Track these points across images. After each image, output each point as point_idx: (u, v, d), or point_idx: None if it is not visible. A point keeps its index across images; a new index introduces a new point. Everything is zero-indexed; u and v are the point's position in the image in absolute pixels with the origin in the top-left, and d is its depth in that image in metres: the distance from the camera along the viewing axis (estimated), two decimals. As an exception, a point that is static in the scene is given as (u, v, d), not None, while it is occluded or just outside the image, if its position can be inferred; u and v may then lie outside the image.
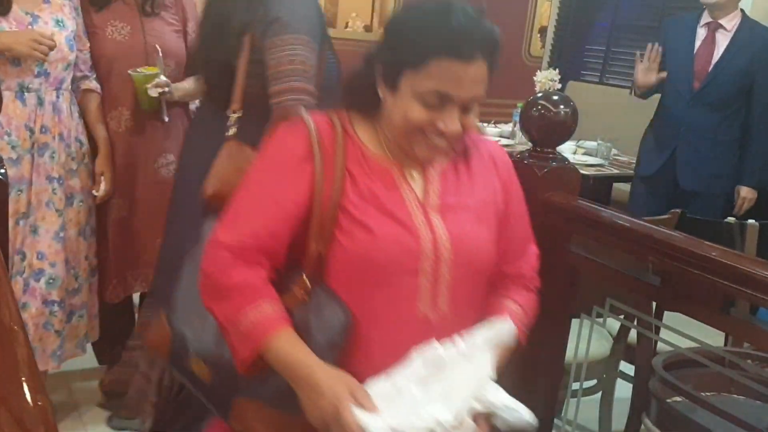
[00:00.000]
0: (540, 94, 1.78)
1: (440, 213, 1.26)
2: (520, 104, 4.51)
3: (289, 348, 1.15)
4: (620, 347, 2.31)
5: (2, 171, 1.41)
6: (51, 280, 2.23)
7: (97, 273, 2.41)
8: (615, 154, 4.16)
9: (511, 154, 3.95)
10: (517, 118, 4.35)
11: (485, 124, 4.52)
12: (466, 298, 1.28)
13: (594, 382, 2.39)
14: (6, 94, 2.07)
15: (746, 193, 3.23)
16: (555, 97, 1.75)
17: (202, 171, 1.88)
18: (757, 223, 2.32)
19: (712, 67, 3.20)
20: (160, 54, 2.34)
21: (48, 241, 2.21)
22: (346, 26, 5.65)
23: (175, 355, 1.36)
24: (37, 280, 2.21)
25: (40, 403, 0.58)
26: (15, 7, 2.12)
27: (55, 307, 2.24)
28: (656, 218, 2.21)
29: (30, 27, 2.13)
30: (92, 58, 2.36)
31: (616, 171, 3.98)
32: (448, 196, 1.28)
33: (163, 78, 2.31)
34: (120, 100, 2.38)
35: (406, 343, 1.18)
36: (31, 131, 2.17)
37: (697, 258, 1.37)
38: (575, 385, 1.84)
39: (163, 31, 2.41)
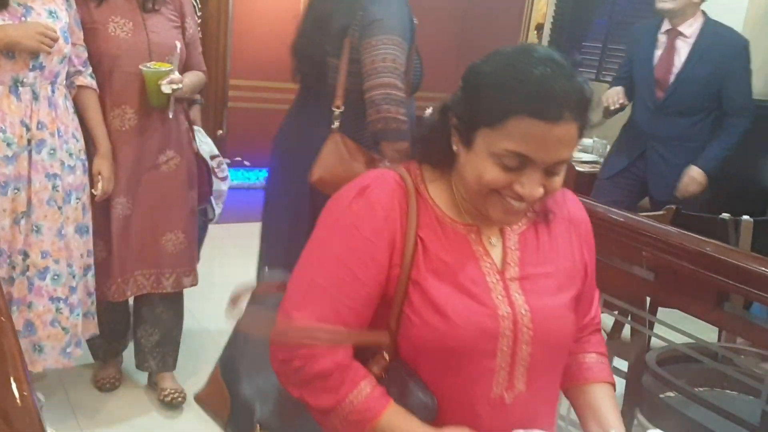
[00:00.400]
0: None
1: (521, 284, 1.14)
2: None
3: (402, 422, 1.07)
4: (614, 342, 2.31)
5: None
6: (56, 277, 2.19)
7: (92, 270, 2.36)
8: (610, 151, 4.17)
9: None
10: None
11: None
12: (545, 374, 1.16)
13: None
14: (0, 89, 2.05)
15: (696, 174, 3.06)
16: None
17: (301, 158, 2.22)
18: (751, 220, 2.32)
19: (673, 77, 3.08)
20: (178, 49, 2.33)
21: (51, 239, 2.17)
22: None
23: (237, 423, 1.28)
24: (43, 279, 2.17)
25: (25, 394, 0.57)
26: None
27: (61, 304, 2.20)
28: (651, 213, 2.21)
29: (23, 19, 2.06)
30: (93, 55, 2.30)
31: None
32: (529, 264, 1.16)
33: (177, 74, 2.29)
34: (124, 99, 2.34)
35: (478, 427, 1.09)
36: (27, 127, 2.11)
37: (692, 253, 1.37)
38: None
39: (164, 27, 2.39)
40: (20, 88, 2.09)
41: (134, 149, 2.37)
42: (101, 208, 2.37)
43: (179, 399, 2.52)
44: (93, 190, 2.28)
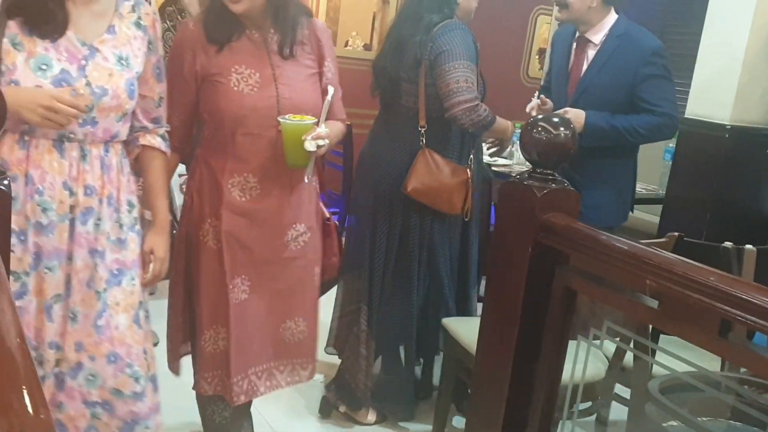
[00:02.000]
0: (540, 116, 1.79)
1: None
2: (518, 125, 4.53)
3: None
4: (616, 370, 2.31)
5: (5, 182, 1.33)
6: (91, 377, 1.77)
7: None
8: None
9: (509, 175, 3.97)
10: (516, 138, 4.38)
11: (484, 144, 4.53)
12: None
13: (589, 404, 2.39)
14: (42, 143, 1.68)
15: (576, 113, 2.75)
16: (555, 119, 1.76)
17: (385, 170, 2.69)
18: (754, 249, 2.32)
19: (575, 86, 2.89)
20: (329, 96, 2.03)
21: (87, 329, 1.76)
22: (346, 45, 5.69)
23: None
24: (74, 377, 1.76)
25: (42, 417, 0.58)
26: (70, 34, 1.67)
27: (98, 409, 1.78)
28: (653, 241, 2.22)
29: (83, 62, 1.69)
30: (213, 113, 1.99)
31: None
32: None
33: (323, 128, 1.96)
34: (246, 165, 2.00)
35: None
36: (71, 191, 1.71)
37: (695, 282, 1.37)
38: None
39: (298, 78, 2.04)
40: (66, 144, 1.70)
41: (257, 224, 2.05)
42: (217, 290, 2.04)
43: None
44: (144, 273, 1.91)
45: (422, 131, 2.64)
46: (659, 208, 3.89)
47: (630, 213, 3.09)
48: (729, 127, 3.50)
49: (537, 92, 3.14)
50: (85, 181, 1.72)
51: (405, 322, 2.80)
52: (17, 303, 1.63)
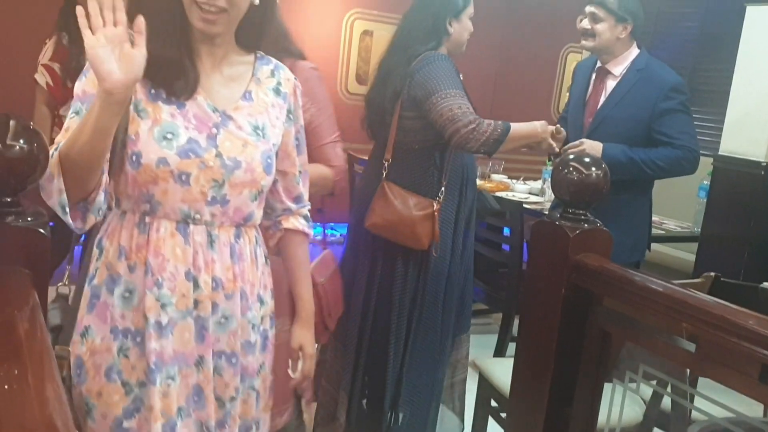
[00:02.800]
0: (571, 156, 1.79)
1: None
2: (549, 161, 4.53)
3: None
4: (653, 414, 2.26)
5: (43, 229, 1.29)
6: None
7: None
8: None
9: (541, 212, 3.90)
10: (547, 176, 4.36)
11: (514, 181, 4.52)
12: None
13: (626, 448, 2.33)
14: (164, 224, 1.42)
15: (593, 144, 2.71)
16: (587, 159, 1.75)
17: (363, 205, 2.53)
18: (793, 289, 2.27)
19: (592, 118, 2.84)
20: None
21: None
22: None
23: None
24: None
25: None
26: (200, 98, 1.45)
27: None
28: (689, 281, 2.18)
29: (215, 131, 1.44)
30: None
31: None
32: None
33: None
34: None
35: None
36: (195, 284, 1.44)
37: (734, 325, 1.34)
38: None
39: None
40: (191, 227, 1.44)
41: None
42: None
43: None
44: (290, 371, 1.69)
45: (386, 164, 2.51)
46: (694, 246, 3.83)
47: (647, 251, 3.01)
48: (765, 164, 3.45)
49: (558, 120, 3.13)
50: (212, 272, 1.45)
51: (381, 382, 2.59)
52: (125, 424, 1.41)
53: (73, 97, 1.39)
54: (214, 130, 1.44)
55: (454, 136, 2.35)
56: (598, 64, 2.91)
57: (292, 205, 1.65)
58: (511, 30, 6.25)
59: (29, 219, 1.21)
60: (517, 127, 2.40)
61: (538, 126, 2.49)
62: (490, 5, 6.05)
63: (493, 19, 6.13)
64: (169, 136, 1.40)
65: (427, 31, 2.54)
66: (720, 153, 3.65)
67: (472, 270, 2.75)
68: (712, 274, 2.24)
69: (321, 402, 2.71)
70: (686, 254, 4.14)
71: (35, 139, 1.21)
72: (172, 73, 1.41)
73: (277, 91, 1.57)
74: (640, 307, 1.58)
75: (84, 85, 1.38)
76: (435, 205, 2.49)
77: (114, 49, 1.22)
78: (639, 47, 2.85)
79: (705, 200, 3.82)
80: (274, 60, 1.60)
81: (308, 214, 1.70)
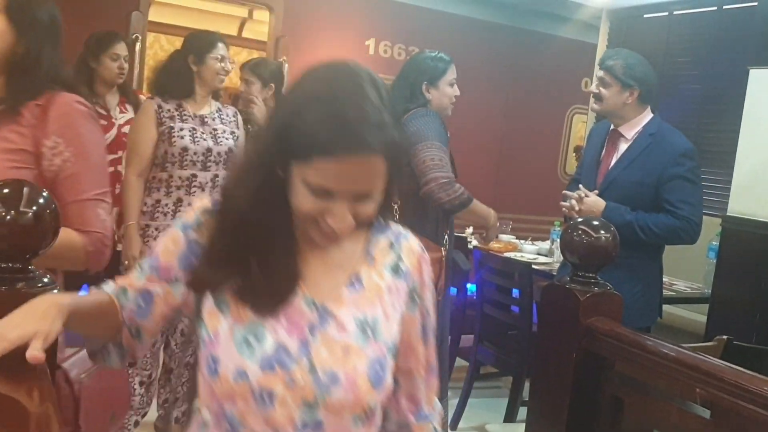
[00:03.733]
0: (580, 219, 1.79)
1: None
2: (557, 221, 4.53)
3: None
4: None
5: (55, 293, 1.22)
6: None
7: None
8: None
9: (550, 273, 3.86)
10: (555, 236, 4.36)
11: (522, 241, 4.52)
12: None
13: None
14: None
15: (593, 202, 2.74)
16: (595, 222, 1.76)
17: None
18: (807, 352, 2.24)
19: (602, 179, 2.86)
20: None
21: None
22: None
23: None
24: None
25: None
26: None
27: None
28: (701, 345, 2.16)
29: (311, 334, 1.13)
30: None
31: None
32: None
33: None
34: None
35: None
36: None
37: (748, 392, 1.33)
38: None
39: None
40: None
41: None
42: None
43: None
44: None
45: (395, 207, 2.67)
46: (705, 307, 3.80)
47: (659, 317, 2.96)
48: (774, 224, 3.44)
49: (569, 183, 3.15)
50: None
51: None
52: None
53: None
54: (309, 334, 1.11)
55: (430, 183, 2.60)
56: (612, 126, 2.93)
57: (414, 419, 1.26)
58: (517, 91, 6.33)
59: (39, 285, 1.21)
60: (477, 203, 2.74)
61: (492, 213, 2.88)
62: (497, 67, 6.17)
63: (499, 80, 6.23)
64: (251, 340, 1.10)
65: (406, 98, 2.77)
66: (728, 214, 3.64)
67: (447, 331, 2.92)
68: (725, 337, 2.22)
69: None
70: (697, 315, 4.09)
71: (48, 207, 1.22)
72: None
73: (396, 270, 1.21)
74: (652, 372, 1.56)
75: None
76: (443, 251, 2.71)
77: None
78: (653, 111, 2.88)
79: (715, 261, 3.80)
80: (393, 226, 1.27)
81: (438, 428, 1.29)
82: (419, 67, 2.88)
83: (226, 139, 2.90)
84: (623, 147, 2.86)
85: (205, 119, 2.89)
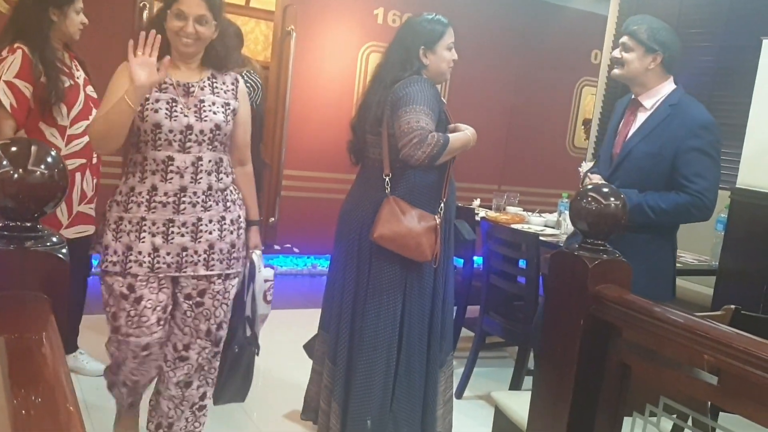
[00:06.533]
0: (590, 187, 1.78)
1: None
2: (565, 194, 4.51)
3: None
4: (673, 448, 2.22)
5: (64, 251, 1.32)
6: None
7: None
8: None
9: (557, 245, 3.85)
10: (563, 208, 4.34)
11: (530, 213, 4.51)
12: None
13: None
14: None
15: (597, 179, 2.76)
16: (605, 190, 1.75)
17: (357, 219, 2.74)
18: (816, 322, 2.23)
19: (620, 149, 2.80)
20: None
21: None
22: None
23: None
24: None
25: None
26: None
27: None
28: (709, 314, 2.15)
29: None
30: None
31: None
32: None
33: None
34: None
35: None
36: None
37: (756, 358, 1.32)
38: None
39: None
40: None
41: None
42: None
43: None
44: None
45: (387, 179, 2.67)
46: (712, 279, 3.79)
47: (673, 296, 2.93)
48: (782, 196, 3.42)
49: (583, 161, 3.13)
50: None
51: (367, 394, 2.70)
52: None
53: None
54: None
55: (405, 147, 2.52)
56: (633, 95, 2.87)
57: None
58: (526, 64, 6.28)
59: (48, 244, 1.21)
60: (454, 139, 2.61)
61: (470, 137, 2.72)
62: (506, 39, 6.11)
63: (508, 53, 6.17)
64: None
65: (402, 63, 2.69)
66: (737, 186, 3.62)
67: (452, 298, 2.88)
68: (732, 306, 2.21)
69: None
70: (704, 288, 4.09)
71: (56, 165, 1.22)
72: None
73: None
74: (660, 339, 1.56)
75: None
76: (437, 219, 2.66)
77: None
78: (676, 83, 2.82)
79: (723, 233, 3.78)
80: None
81: None
82: (415, 31, 2.71)
83: (214, 113, 2.36)
84: (642, 117, 2.80)
85: (191, 88, 2.36)
